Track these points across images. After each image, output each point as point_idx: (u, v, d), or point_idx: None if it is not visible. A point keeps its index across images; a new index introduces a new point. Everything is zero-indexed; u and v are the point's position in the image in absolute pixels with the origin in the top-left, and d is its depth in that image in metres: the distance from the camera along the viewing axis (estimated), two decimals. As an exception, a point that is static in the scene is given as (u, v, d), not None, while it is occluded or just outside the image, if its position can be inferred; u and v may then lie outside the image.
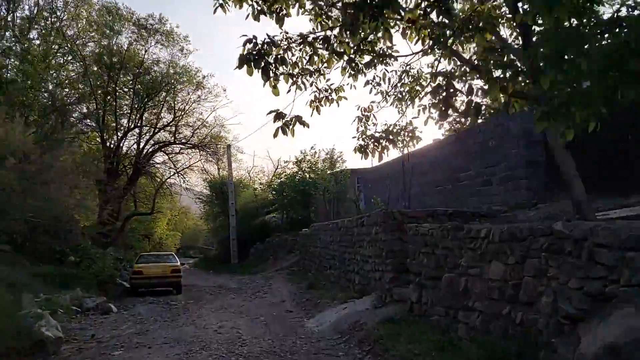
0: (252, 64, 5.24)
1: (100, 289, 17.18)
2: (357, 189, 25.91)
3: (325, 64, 7.65)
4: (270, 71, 5.57)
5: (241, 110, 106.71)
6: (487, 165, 13.74)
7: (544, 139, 12.11)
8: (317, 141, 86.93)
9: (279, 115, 5.79)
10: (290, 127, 5.87)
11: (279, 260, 25.81)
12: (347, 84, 8.32)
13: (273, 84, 5.81)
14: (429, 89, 8.45)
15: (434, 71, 6.50)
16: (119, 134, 26.81)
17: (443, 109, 5.24)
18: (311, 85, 7.99)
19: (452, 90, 5.27)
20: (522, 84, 6.83)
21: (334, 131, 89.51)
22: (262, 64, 5.36)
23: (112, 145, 26.71)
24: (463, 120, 15.76)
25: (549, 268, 5.11)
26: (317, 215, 28.08)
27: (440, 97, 5.25)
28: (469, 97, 5.17)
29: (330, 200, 25.42)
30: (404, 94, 8.36)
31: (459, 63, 6.97)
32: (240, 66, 5.29)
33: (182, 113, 28.54)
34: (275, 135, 5.81)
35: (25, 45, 24.69)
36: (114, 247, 28.96)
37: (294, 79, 6.71)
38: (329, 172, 28.23)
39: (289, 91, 6.72)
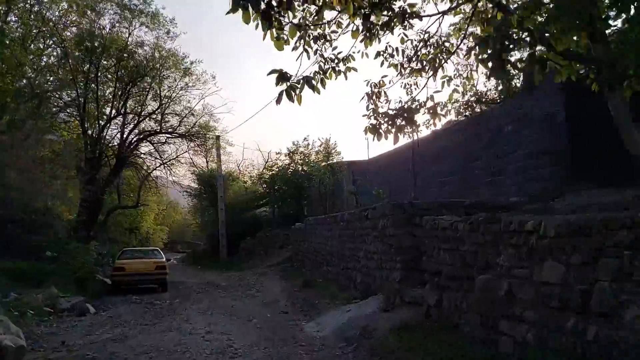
0: (249, 4, 4.01)
1: (79, 286, 15.96)
2: (354, 182, 24.75)
3: (335, 25, 6.44)
4: (273, 17, 4.35)
5: (232, 99, 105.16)
6: (501, 154, 12.61)
7: (567, 123, 11.00)
8: (311, 131, 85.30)
9: (282, 77, 4.56)
10: (297, 91, 4.66)
11: (270, 256, 24.77)
12: (358, 51, 7.12)
13: (276, 34, 4.60)
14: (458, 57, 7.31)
15: (483, 17, 5.26)
16: (100, 122, 25.30)
17: (496, 64, 4.05)
18: (315, 53, 6.77)
19: (506, 41, 4.09)
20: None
21: (329, 121, 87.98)
22: (263, 5, 4.13)
23: (94, 135, 25.21)
24: (475, 104, 14.59)
25: (636, 270, 3.95)
26: (310, 209, 27.02)
27: (493, 49, 4.08)
28: (533, 49, 4.02)
29: (325, 193, 24.26)
30: (425, 63, 7.14)
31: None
32: (233, 9, 4.06)
33: (169, 100, 27.03)
34: (278, 101, 4.60)
35: (2, 28, 23.16)
36: (98, 242, 27.60)
37: (302, 31, 5.48)
38: (323, 163, 27.04)
39: (294, 48, 5.49)
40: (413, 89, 8.13)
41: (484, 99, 14.64)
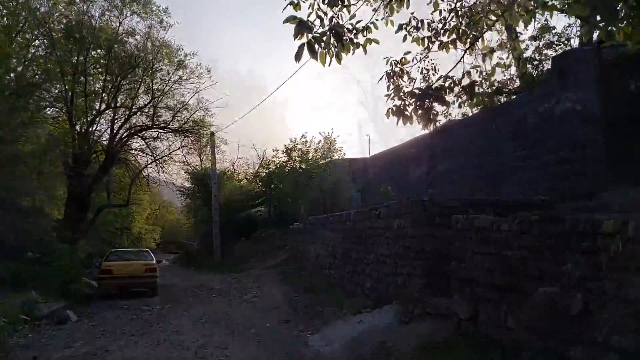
0: None
1: (63, 291, 14.73)
2: (354, 180, 23.66)
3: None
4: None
5: (226, 95, 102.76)
6: (524, 148, 11.54)
7: (602, 114, 9.95)
8: (309, 129, 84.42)
9: (303, 25, 3.46)
10: (323, 45, 3.57)
11: (267, 257, 23.64)
12: (382, 18, 6.10)
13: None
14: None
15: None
16: (89, 116, 23.98)
17: (597, 6, 2.98)
18: (330, 22, 5.69)
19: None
20: None
21: (328, 120, 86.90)
22: None
23: (82, 129, 23.93)
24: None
25: None
26: (308, 208, 25.90)
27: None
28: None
29: (326, 192, 23.16)
30: (460, 33, 6.06)
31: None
32: None
33: (161, 94, 25.72)
34: (297, 56, 3.50)
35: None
36: (88, 243, 26.35)
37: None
38: (321, 161, 25.91)
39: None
40: (431, 74, 7.15)
41: (506, 89, 13.52)
